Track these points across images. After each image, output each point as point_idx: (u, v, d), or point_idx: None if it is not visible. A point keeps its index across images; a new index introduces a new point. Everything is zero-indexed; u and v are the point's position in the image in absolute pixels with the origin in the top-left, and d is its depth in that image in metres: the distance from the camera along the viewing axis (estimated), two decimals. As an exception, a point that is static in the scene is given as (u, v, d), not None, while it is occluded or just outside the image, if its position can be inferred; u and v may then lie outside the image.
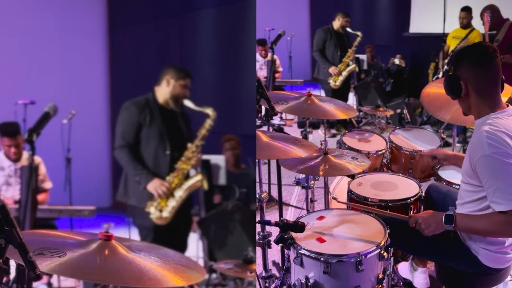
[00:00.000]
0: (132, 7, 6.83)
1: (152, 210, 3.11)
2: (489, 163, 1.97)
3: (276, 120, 6.86)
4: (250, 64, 5.77)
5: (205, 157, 4.06)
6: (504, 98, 2.42)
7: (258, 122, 4.09)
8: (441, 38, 6.63)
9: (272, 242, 2.45)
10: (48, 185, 4.06)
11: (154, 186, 3.13)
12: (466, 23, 6.19)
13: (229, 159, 4.45)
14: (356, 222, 2.34)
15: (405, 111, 6.77)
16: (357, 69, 7.26)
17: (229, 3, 6.05)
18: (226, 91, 5.95)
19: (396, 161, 3.47)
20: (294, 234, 2.11)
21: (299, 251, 2.08)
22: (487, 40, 4.94)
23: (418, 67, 8.57)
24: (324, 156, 2.72)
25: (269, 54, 7.09)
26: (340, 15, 6.50)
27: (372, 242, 2.12)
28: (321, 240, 2.16)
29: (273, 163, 4.62)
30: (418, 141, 3.48)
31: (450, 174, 3.03)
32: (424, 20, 9.34)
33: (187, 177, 3.24)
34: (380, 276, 2.15)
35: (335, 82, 6.36)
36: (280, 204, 3.05)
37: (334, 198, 3.10)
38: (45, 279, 3.65)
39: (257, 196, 2.55)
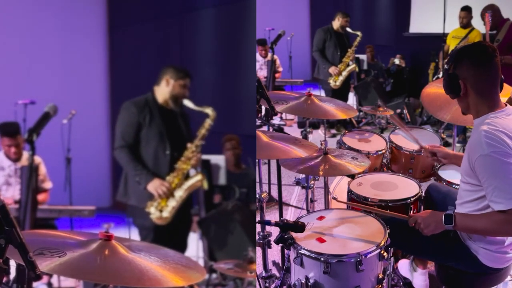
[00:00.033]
0: (132, 7, 6.83)
1: (152, 210, 3.11)
2: (488, 162, 1.98)
3: (276, 120, 6.86)
4: (250, 64, 5.77)
5: (205, 157, 4.06)
6: (504, 98, 2.43)
7: (258, 122, 4.09)
8: (441, 38, 6.63)
9: (272, 242, 2.45)
10: (48, 185, 4.06)
11: (154, 186, 3.13)
12: (466, 23, 6.19)
13: (230, 159, 4.45)
14: (356, 222, 2.34)
15: (405, 111, 6.78)
16: (357, 69, 7.26)
17: (229, 3, 6.05)
18: (226, 91, 5.95)
19: (396, 161, 3.47)
20: (294, 234, 2.11)
21: (299, 251, 2.08)
22: (487, 40, 4.94)
23: (418, 67, 8.57)
24: (324, 156, 2.72)
25: (269, 54, 7.09)
26: (340, 15, 6.49)
27: (372, 242, 2.12)
28: (321, 240, 2.16)
29: (273, 163, 4.62)
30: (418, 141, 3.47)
31: (450, 174, 3.03)
32: (424, 20, 9.34)
33: (187, 177, 3.24)
34: (380, 276, 2.15)
35: (335, 82, 6.36)
36: (280, 204, 3.05)
37: (334, 198, 3.10)
38: (45, 279, 3.65)
39: (257, 196, 2.55)
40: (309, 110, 3.14)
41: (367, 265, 2.05)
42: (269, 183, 4.55)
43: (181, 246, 3.34)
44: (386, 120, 6.91)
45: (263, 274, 2.76)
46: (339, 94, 6.26)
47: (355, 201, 2.75)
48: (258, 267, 2.98)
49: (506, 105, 2.15)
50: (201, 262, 3.81)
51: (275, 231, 2.22)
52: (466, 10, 6.19)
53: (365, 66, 8.46)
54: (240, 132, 4.79)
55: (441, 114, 3.10)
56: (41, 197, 3.93)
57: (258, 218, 2.49)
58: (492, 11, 5.22)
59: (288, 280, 2.27)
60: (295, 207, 4.44)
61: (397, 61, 8.41)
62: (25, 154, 3.89)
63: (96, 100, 6.97)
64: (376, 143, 3.55)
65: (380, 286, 2.13)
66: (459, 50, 2.14)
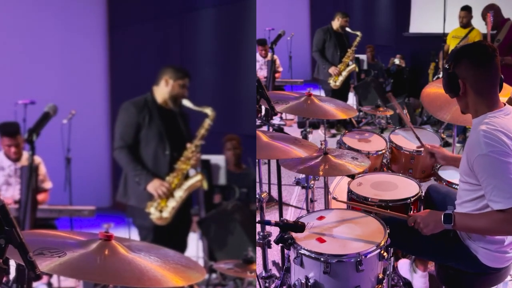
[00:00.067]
0: (132, 7, 6.83)
1: (152, 211, 3.11)
2: (487, 162, 1.98)
3: (276, 120, 6.86)
4: (250, 64, 5.77)
5: (205, 157, 4.06)
6: (504, 98, 2.43)
7: (258, 122, 4.09)
8: (441, 38, 6.62)
9: (272, 242, 2.45)
10: (48, 185, 4.06)
11: (154, 186, 3.13)
12: (466, 23, 6.19)
13: (230, 159, 4.45)
14: (356, 222, 2.34)
15: (405, 111, 6.77)
16: (357, 69, 7.26)
17: (229, 3, 6.05)
18: (226, 91, 5.95)
19: (396, 161, 3.47)
20: (294, 234, 2.11)
21: (299, 251, 2.08)
22: (489, 40, 4.94)
23: (418, 67, 8.57)
24: (324, 156, 2.72)
25: (269, 54, 7.08)
26: (339, 15, 6.49)
27: (372, 242, 2.12)
28: (321, 240, 2.16)
29: (273, 163, 4.62)
30: (418, 141, 3.47)
31: (450, 174, 3.03)
32: (424, 20, 9.34)
33: (186, 177, 3.23)
34: (380, 276, 2.15)
35: (335, 82, 6.36)
36: (280, 204, 3.05)
37: (334, 198, 3.10)
38: (45, 279, 3.65)
39: (257, 196, 2.55)
40: (309, 110, 3.14)
41: (367, 265, 2.05)
42: (269, 183, 4.55)
43: (181, 246, 3.33)
44: (386, 120, 6.91)
45: (263, 274, 2.76)
46: (339, 94, 6.26)
47: (355, 201, 2.75)
48: (258, 267, 2.98)
49: (504, 105, 2.15)
50: (201, 262, 3.81)
51: (275, 231, 2.22)
52: (466, 10, 6.19)
53: (365, 66, 8.46)
54: (240, 132, 4.79)
55: (441, 114, 3.10)
56: (41, 197, 3.93)
57: (258, 218, 2.49)
58: (493, 11, 5.22)
59: (288, 280, 2.27)
60: (295, 207, 4.44)
61: (397, 61, 8.41)
62: (25, 154, 3.89)
63: (96, 100, 6.97)
64: (376, 143, 3.55)
65: (380, 286, 2.13)
66: (459, 49, 2.14)
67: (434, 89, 3.21)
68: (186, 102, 3.23)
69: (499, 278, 2.28)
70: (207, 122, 3.24)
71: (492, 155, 1.96)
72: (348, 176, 2.90)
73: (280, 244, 2.16)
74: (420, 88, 3.37)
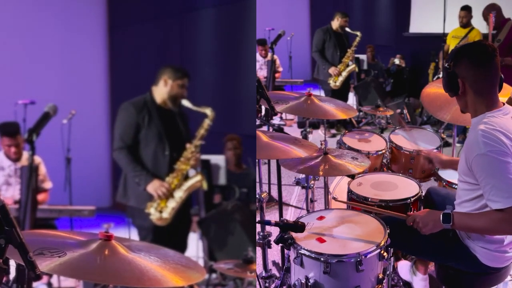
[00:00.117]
0: (132, 7, 6.83)
1: (152, 211, 3.11)
2: (485, 161, 1.98)
3: (276, 120, 6.86)
4: (250, 64, 5.77)
5: (205, 157, 4.06)
6: (503, 98, 2.43)
7: (258, 122, 4.09)
8: (441, 38, 6.63)
9: (272, 242, 2.45)
10: (48, 185, 4.06)
11: (154, 187, 3.13)
12: (465, 22, 6.19)
13: (231, 159, 4.45)
14: (356, 222, 2.34)
15: (405, 111, 6.77)
16: (357, 69, 7.26)
17: (229, 3, 6.05)
18: (226, 91, 5.95)
19: (396, 161, 3.47)
20: (294, 234, 2.11)
21: (299, 251, 2.08)
22: (490, 40, 4.94)
23: (418, 67, 8.57)
24: (324, 156, 2.73)
25: (269, 54, 7.08)
26: (339, 15, 6.49)
27: (372, 242, 2.12)
28: (321, 240, 2.16)
29: (273, 163, 4.62)
30: (418, 141, 3.48)
31: (450, 174, 3.03)
32: (424, 20, 9.33)
33: (186, 177, 3.23)
34: (380, 276, 2.15)
35: (335, 82, 6.36)
36: (280, 204, 3.05)
37: (334, 198, 3.10)
38: (45, 279, 3.65)
39: (257, 196, 2.55)
40: (309, 110, 3.14)
41: (367, 265, 2.05)
42: (269, 183, 4.55)
43: (181, 247, 3.33)
44: (386, 120, 6.92)
45: (263, 274, 2.76)
46: (339, 94, 6.26)
47: (355, 201, 2.75)
48: (258, 267, 2.98)
49: (504, 105, 2.15)
50: (201, 262, 3.80)
51: (275, 231, 2.22)
52: (466, 10, 6.19)
53: (365, 66, 8.46)
54: (240, 132, 4.79)
55: (441, 114, 3.10)
56: (41, 197, 3.93)
57: (258, 218, 2.49)
58: (496, 11, 5.22)
59: (288, 280, 2.27)
60: (295, 207, 4.44)
61: (397, 61, 8.41)
62: (25, 154, 3.89)
63: (96, 100, 6.97)
64: (376, 143, 3.55)
65: (380, 286, 2.13)
66: (459, 48, 2.14)
67: (434, 89, 3.22)
68: (186, 102, 3.22)
69: (499, 278, 2.28)
70: (207, 122, 3.23)
71: (490, 154, 1.96)
72: (348, 176, 2.89)
73: (280, 244, 2.16)
74: (420, 88, 3.38)
